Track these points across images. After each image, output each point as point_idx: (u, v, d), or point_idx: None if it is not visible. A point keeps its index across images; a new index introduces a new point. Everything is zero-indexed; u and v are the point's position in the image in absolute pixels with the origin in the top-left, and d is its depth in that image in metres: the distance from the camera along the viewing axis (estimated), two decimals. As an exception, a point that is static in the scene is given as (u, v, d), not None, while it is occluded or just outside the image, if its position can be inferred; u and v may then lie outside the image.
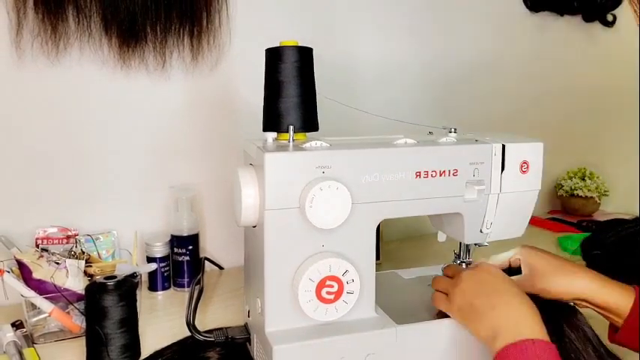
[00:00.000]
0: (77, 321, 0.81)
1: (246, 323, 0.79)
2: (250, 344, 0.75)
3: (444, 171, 0.70)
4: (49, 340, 0.81)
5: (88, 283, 0.82)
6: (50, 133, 0.97)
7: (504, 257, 0.78)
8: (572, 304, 0.72)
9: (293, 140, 0.68)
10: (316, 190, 0.63)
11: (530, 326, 0.58)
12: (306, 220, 0.64)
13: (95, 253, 0.95)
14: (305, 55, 0.72)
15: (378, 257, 0.81)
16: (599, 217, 1.50)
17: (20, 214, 0.96)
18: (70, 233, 0.96)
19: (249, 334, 0.76)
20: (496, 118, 1.44)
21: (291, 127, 0.69)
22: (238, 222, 0.68)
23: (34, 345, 0.79)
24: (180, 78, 1.05)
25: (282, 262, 0.65)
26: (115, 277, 0.74)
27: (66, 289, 0.81)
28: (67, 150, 0.99)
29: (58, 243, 0.95)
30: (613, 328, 0.69)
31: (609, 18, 1.59)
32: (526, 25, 1.48)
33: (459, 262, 0.82)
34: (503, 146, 0.73)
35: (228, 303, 0.95)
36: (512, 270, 0.76)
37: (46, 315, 0.80)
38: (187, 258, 1.01)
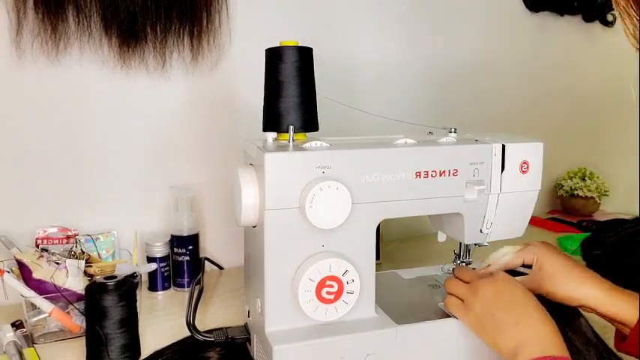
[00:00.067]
0: (77, 321, 0.81)
1: (246, 323, 0.79)
2: (250, 344, 0.75)
3: (444, 171, 0.70)
4: (49, 340, 0.81)
5: (88, 283, 0.82)
6: (50, 133, 0.97)
7: (509, 251, 0.77)
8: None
9: (293, 140, 0.68)
10: (316, 190, 0.63)
11: (554, 343, 0.58)
12: (306, 220, 0.63)
13: (95, 253, 0.95)
14: (305, 55, 0.72)
15: (378, 257, 0.80)
16: (599, 217, 1.50)
17: (20, 214, 0.96)
18: (70, 233, 0.96)
19: (249, 334, 0.76)
20: (496, 118, 1.44)
21: (291, 127, 0.69)
22: (238, 222, 0.68)
23: (34, 345, 0.79)
24: (180, 78, 1.05)
25: (282, 262, 0.65)
26: (115, 277, 0.74)
27: (66, 289, 0.81)
28: (67, 150, 0.99)
29: (58, 243, 0.95)
30: (620, 336, 0.69)
31: (609, 18, 1.59)
32: (526, 25, 1.48)
33: (459, 262, 0.82)
34: (503, 146, 0.73)
35: (228, 303, 0.95)
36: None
37: (46, 315, 0.80)
38: (187, 258, 1.01)
